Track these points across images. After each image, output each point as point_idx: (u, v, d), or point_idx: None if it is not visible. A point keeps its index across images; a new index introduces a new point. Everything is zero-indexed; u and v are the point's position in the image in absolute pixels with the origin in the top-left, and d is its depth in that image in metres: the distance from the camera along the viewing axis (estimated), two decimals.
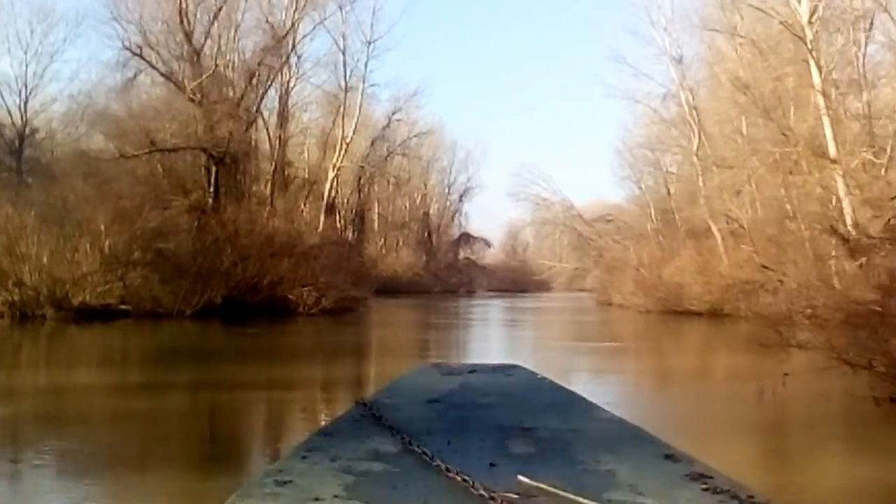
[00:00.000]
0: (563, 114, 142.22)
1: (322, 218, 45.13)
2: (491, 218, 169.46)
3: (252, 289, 32.77)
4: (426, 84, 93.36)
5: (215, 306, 31.39)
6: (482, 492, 1.83)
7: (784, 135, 30.84)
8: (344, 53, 47.54)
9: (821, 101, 32.56)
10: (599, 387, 12.84)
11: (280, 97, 49.45)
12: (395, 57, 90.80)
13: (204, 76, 36.23)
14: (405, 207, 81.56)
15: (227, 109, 36.41)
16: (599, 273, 70.97)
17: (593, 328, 33.70)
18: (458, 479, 1.93)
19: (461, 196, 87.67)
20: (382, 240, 76.76)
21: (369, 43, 47.90)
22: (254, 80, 38.59)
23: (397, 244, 78.66)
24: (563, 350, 21.81)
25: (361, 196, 57.31)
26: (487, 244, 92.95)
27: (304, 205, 49.65)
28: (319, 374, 16.45)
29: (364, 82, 48.15)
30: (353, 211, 57.65)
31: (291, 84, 48.93)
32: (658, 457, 2.25)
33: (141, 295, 29.58)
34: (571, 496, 1.84)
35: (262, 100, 42.13)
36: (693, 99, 44.94)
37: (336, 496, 1.85)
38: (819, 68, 32.92)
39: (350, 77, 48.21)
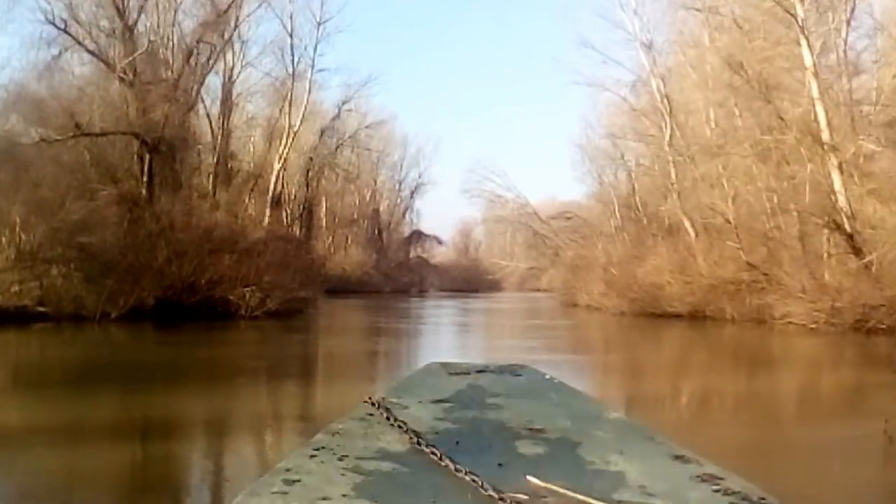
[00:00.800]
0: (521, 109, 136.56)
1: (268, 212, 41.51)
2: (443, 215, 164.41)
3: (188, 289, 29.19)
4: (378, 73, 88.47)
5: (146, 308, 27.90)
6: (491, 492, 1.77)
7: (781, 118, 27.95)
8: (291, 36, 44.06)
9: (814, 84, 29.80)
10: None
11: (223, 84, 45.95)
12: (345, 43, 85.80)
13: (136, 54, 32.49)
14: (355, 204, 77.93)
15: (162, 91, 32.79)
16: (560, 272, 68.23)
17: (568, 334, 30.34)
18: (467, 479, 1.85)
19: (412, 192, 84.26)
20: (331, 237, 73.17)
21: (319, 24, 44.43)
22: (192, 60, 34.91)
23: (346, 242, 75.12)
24: (548, 367, 18.17)
25: (309, 190, 53.41)
26: (439, 242, 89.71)
27: (249, 199, 46.26)
28: (264, 405, 13.00)
29: (313, 66, 44.66)
30: (301, 206, 53.85)
31: (236, 71, 45.51)
32: (668, 457, 2.14)
33: (61, 295, 25.97)
34: (581, 497, 1.78)
35: (202, 83, 38.48)
36: (664, 87, 42.04)
37: (344, 495, 1.79)
38: (811, 49, 30.21)
39: (298, 63, 44.69)
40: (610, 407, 2.71)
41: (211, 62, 37.76)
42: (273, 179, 43.22)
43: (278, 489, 1.81)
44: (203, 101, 45.88)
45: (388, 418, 2.34)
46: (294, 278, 31.35)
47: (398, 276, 76.76)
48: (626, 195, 52.55)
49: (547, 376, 3.25)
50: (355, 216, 77.84)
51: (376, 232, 79.15)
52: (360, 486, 1.85)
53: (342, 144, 54.66)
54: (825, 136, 28.94)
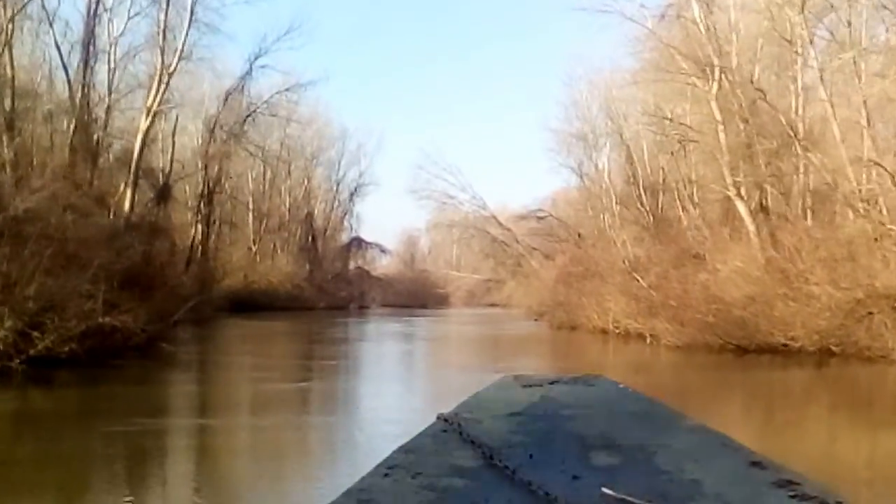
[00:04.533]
0: (479, 99, 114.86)
1: (129, 195, 25.62)
2: (387, 221, 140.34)
3: None
4: (304, 21, 66.92)
5: None
6: None
7: None
8: None
9: None
10: None
11: (86, 23, 30.37)
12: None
13: None
14: (285, 206, 62.27)
15: None
16: (523, 285, 53.37)
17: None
18: (541, 492, 1.75)
19: (352, 194, 69.00)
20: (256, 244, 57.31)
21: None
22: None
23: (274, 249, 59.25)
24: None
25: (209, 173, 36.86)
26: (382, 251, 74.17)
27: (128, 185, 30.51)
28: None
29: None
30: (200, 194, 37.38)
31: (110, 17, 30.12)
32: (745, 464, 2.00)
33: None
34: None
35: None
36: (703, 16, 27.11)
37: None
38: None
39: None
40: (685, 415, 2.48)
41: None
42: (138, 143, 27.17)
43: None
44: (59, 48, 31.00)
45: (460, 434, 2.19)
46: (95, 288, 15.06)
47: (335, 289, 61.50)
48: (624, 182, 37.72)
49: (620, 385, 2.99)
50: (286, 220, 62.04)
51: (310, 239, 63.36)
52: (434, 503, 1.77)
53: (255, 112, 38.08)
54: None
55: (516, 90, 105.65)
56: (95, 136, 31.23)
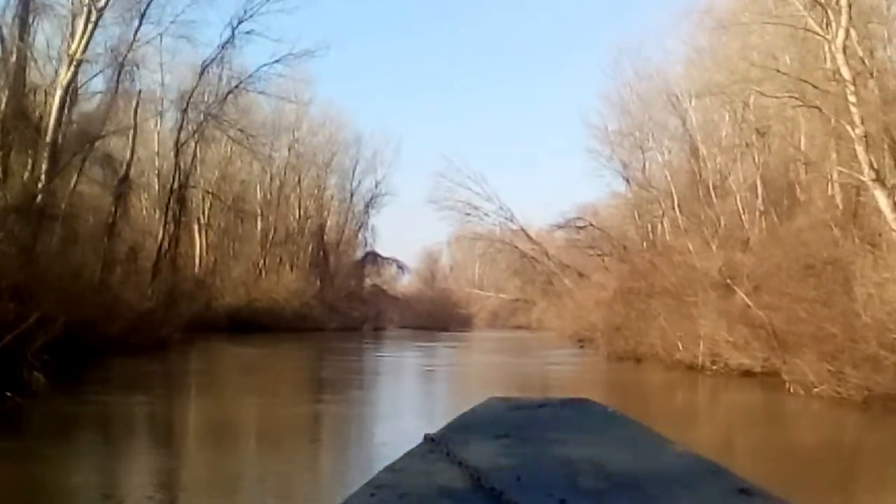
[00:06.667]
0: (505, 101, 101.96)
1: (44, 166, 18.17)
2: (406, 236, 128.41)
3: None
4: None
5: None
6: None
7: None
8: None
9: None
10: None
11: None
12: None
13: None
14: (294, 217, 54.89)
15: None
16: (555, 305, 45.68)
17: None
18: None
19: (367, 206, 61.75)
20: (264, 258, 49.75)
21: None
22: None
23: (280, 263, 51.88)
24: None
25: (181, 163, 28.89)
26: (400, 267, 66.57)
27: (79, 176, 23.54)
28: None
29: None
30: (169, 191, 29.59)
31: None
32: (733, 492, 1.93)
33: None
34: None
35: None
36: None
37: None
38: None
39: None
40: (674, 440, 2.38)
41: None
42: (56, 99, 19.66)
43: None
44: None
45: (448, 455, 2.14)
46: None
47: (347, 309, 54.48)
48: (687, 181, 30.07)
49: (609, 410, 2.88)
50: (295, 233, 54.74)
51: (321, 253, 55.96)
52: None
53: (238, 88, 30.14)
54: None
55: (548, 90, 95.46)
56: (38, 113, 24.04)
